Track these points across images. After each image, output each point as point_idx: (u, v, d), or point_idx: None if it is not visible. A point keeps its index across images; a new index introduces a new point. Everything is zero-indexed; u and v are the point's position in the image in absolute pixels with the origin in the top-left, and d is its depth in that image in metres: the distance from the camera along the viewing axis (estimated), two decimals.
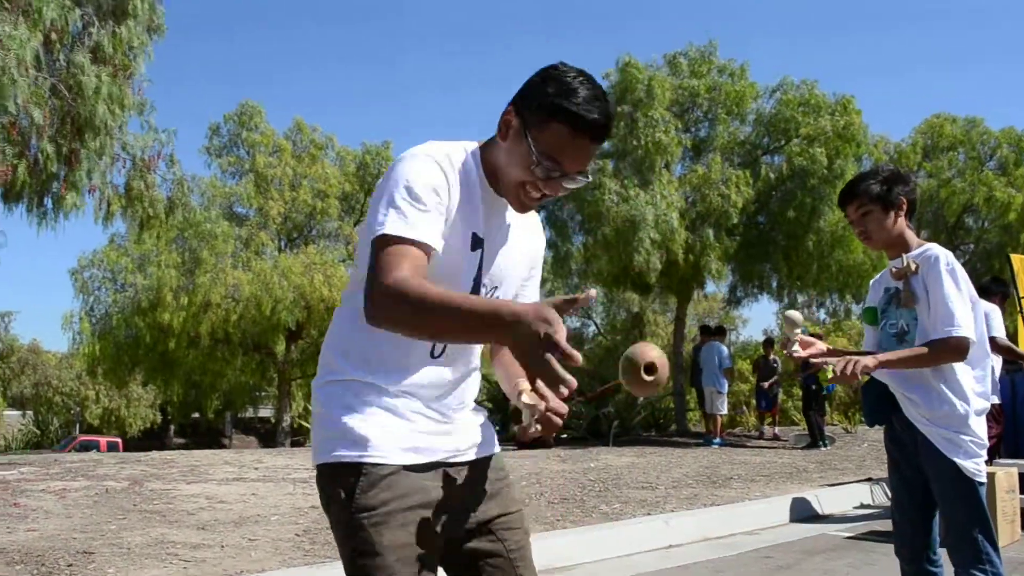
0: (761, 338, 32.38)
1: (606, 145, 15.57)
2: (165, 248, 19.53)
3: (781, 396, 15.90)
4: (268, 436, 31.81)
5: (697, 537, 6.18)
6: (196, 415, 31.54)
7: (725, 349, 14.43)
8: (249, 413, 33.87)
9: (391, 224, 1.63)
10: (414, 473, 1.74)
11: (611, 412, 14.99)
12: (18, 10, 7.76)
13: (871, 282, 3.24)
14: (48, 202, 8.92)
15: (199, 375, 21.97)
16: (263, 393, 28.54)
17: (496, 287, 1.87)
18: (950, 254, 2.93)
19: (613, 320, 31.00)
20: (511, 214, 1.87)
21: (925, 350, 2.84)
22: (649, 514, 6.54)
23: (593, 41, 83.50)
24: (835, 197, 15.00)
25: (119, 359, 21.09)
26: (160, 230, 10.25)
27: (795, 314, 2.95)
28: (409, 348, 1.76)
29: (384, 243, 1.62)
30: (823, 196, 14.63)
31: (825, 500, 7.51)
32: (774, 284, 16.76)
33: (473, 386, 1.94)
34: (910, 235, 3.03)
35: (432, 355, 1.80)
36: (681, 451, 12.09)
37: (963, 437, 2.81)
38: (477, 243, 1.78)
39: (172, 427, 32.65)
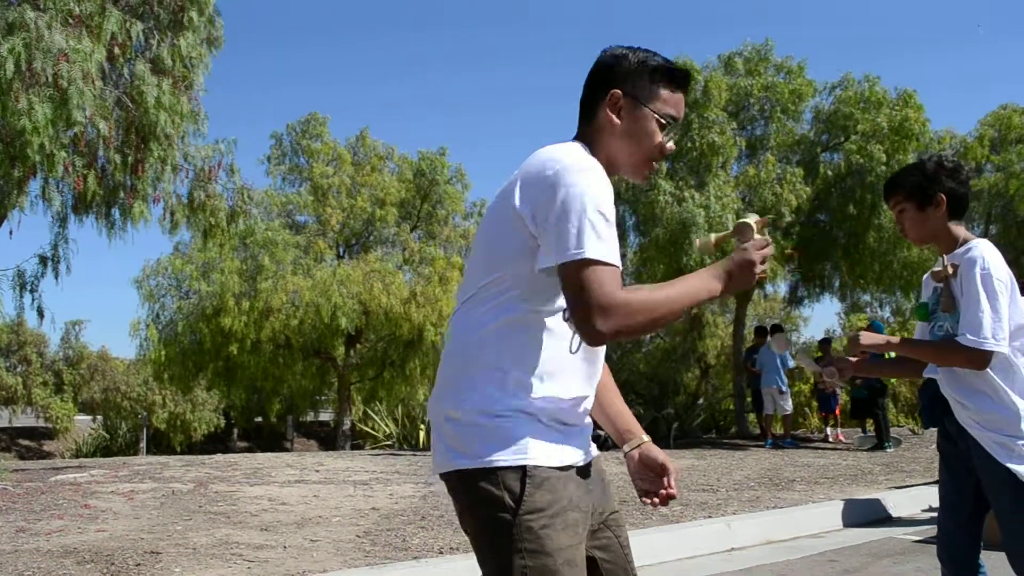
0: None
1: None
2: (228, 256, 19.89)
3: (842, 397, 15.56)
4: (328, 440, 32.17)
5: (760, 540, 6.08)
6: (259, 419, 32.05)
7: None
8: (310, 417, 34.29)
9: (592, 248, 1.67)
10: (565, 475, 1.79)
11: (671, 414, 14.85)
12: (81, 24, 7.98)
13: (924, 277, 3.07)
14: (116, 212, 9.17)
15: (261, 380, 22.30)
16: (323, 397, 28.89)
17: None
18: (991, 256, 2.73)
19: None
20: None
21: (934, 349, 2.78)
22: (710, 517, 6.46)
23: (643, 43, 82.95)
24: None
25: (184, 364, 21.53)
26: (222, 238, 10.46)
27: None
28: (557, 352, 1.82)
29: (590, 265, 1.66)
30: (883, 193, 14.22)
31: (892, 503, 7.33)
32: (836, 283, 16.40)
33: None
34: (957, 231, 2.85)
35: (571, 351, 1.84)
36: (742, 453, 11.93)
37: (1018, 442, 2.68)
38: None
39: (235, 431, 33.22)
